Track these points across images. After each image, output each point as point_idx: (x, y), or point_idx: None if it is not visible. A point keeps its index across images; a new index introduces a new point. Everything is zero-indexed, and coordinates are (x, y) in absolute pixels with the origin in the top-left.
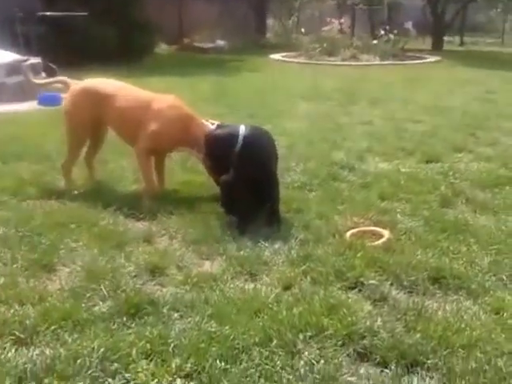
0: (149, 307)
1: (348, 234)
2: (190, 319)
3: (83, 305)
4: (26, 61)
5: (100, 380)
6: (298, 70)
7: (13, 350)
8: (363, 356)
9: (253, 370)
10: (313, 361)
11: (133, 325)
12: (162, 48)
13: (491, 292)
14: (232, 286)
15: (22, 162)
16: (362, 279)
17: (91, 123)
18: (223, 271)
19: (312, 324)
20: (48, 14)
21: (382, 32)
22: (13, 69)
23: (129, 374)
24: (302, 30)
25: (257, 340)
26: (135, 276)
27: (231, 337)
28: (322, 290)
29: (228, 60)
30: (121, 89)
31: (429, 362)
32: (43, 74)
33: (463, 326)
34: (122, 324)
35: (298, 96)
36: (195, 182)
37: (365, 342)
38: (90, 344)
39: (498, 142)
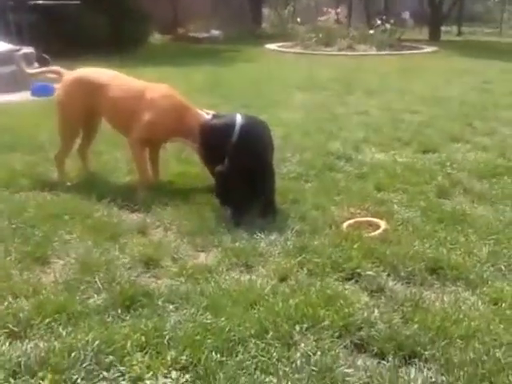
0: (143, 299)
1: (344, 224)
2: (185, 311)
3: (77, 297)
4: (18, 50)
5: (95, 373)
6: (294, 60)
7: (7, 344)
8: (360, 347)
9: (249, 362)
10: (309, 352)
11: (127, 317)
12: (156, 38)
13: (489, 282)
14: (227, 277)
15: (15, 152)
16: (358, 270)
17: (84, 113)
18: (218, 263)
19: (308, 315)
20: (40, 2)
21: (379, 22)
22: (5, 59)
23: (123, 367)
24: (298, 19)
25: (253, 332)
26: (130, 268)
27: (227, 329)
28: (319, 281)
29: (223, 50)
30: (114, 78)
31: (426, 353)
32: (36, 64)
33: (461, 316)
34: (116, 316)
35: (293, 86)
36: (190, 173)
37: (362, 333)
38: (85, 337)
39: (496, 131)
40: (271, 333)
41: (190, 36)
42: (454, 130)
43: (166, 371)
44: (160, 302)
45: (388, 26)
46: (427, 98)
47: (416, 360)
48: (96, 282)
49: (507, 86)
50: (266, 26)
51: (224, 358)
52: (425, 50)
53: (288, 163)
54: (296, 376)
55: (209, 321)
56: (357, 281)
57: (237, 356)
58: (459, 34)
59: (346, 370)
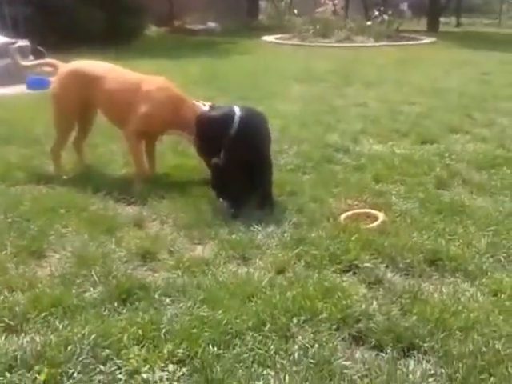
0: (140, 292)
1: (342, 216)
2: (181, 304)
3: (73, 291)
4: (13, 43)
5: (91, 367)
6: (291, 52)
7: (3, 338)
8: (358, 340)
9: (246, 355)
10: (307, 345)
11: (124, 310)
12: (152, 30)
13: (489, 273)
14: (224, 270)
15: (10, 146)
16: (356, 262)
17: (80, 106)
18: (215, 255)
19: (306, 308)
20: None
21: (377, 13)
22: (0, 52)
23: (120, 361)
24: (295, 11)
25: (250, 324)
26: (126, 261)
27: (224, 321)
28: (316, 273)
29: (219, 42)
30: (110, 71)
31: (425, 345)
32: (31, 57)
33: (460, 308)
34: (113, 310)
35: (291, 78)
36: (186, 165)
37: (360, 325)
38: (81, 330)
39: (495, 122)
40: (268, 325)
41: (186, 28)
42: (453, 121)
43: (162, 364)
44: (157, 295)
45: (386, 16)
46: (426, 89)
47: (415, 352)
48: (92, 275)
49: (506, 77)
50: (263, 18)
51: (221, 351)
52: (423, 41)
53: (285, 155)
54: (294, 369)
55: (206, 314)
56: (355, 273)
57: (234, 349)
58: (458, 25)
59: (344, 363)
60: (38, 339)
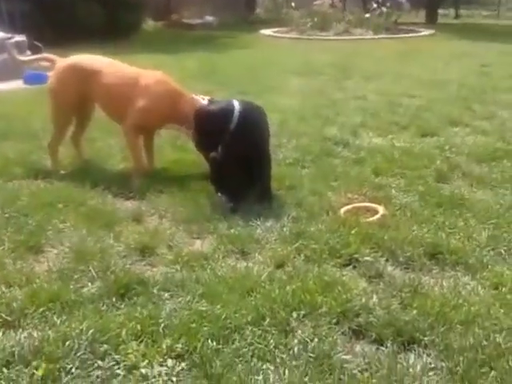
0: (138, 287)
1: (342, 210)
2: (180, 299)
3: (71, 286)
4: (10, 38)
5: (89, 362)
6: (290, 46)
7: (0, 333)
8: (358, 334)
9: (245, 350)
10: (307, 339)
11: (122, 306)
12: (149, 24)
13: (489, 267)
14: (223, 264)
15: (8, 141)
16: (356, 256)
17: (77, 101)
18: (214, 250)
19: (306, 302)
20: None
21: (375, 5)
22: None
23: (119, 356)
24: (293, 4)
25: (249, 319)
26: (124, 256)
27: (223, 316)
28: (316, 267)
29: (217, 36)
30: (108, 65)
31: (426, 338)
32: (28, 52)
33: (461, 301)
34: (111, 305)
35: (289, 72)
36: (185, 160)
37: (360, 319)
38: (79, 326)
39: (495, 115)
40: (268, 320)
41: (183, 22)
42: (453, 113)
43: (161, 359)
44: (155, 290)
45: (384, 9)
46: (425, 81)
47: (415, 346)
48: (90, 270)
49: (506, 68)
50: (261, 12)
51: (220, 346)
52: (422, 34)
53: (284, 149)
54: (293, 363)
55: (204, 308)
56: (355, 266)
57: (233, 343)
58: (456, 16)
59: (344, 357)
60: (35, 335)
